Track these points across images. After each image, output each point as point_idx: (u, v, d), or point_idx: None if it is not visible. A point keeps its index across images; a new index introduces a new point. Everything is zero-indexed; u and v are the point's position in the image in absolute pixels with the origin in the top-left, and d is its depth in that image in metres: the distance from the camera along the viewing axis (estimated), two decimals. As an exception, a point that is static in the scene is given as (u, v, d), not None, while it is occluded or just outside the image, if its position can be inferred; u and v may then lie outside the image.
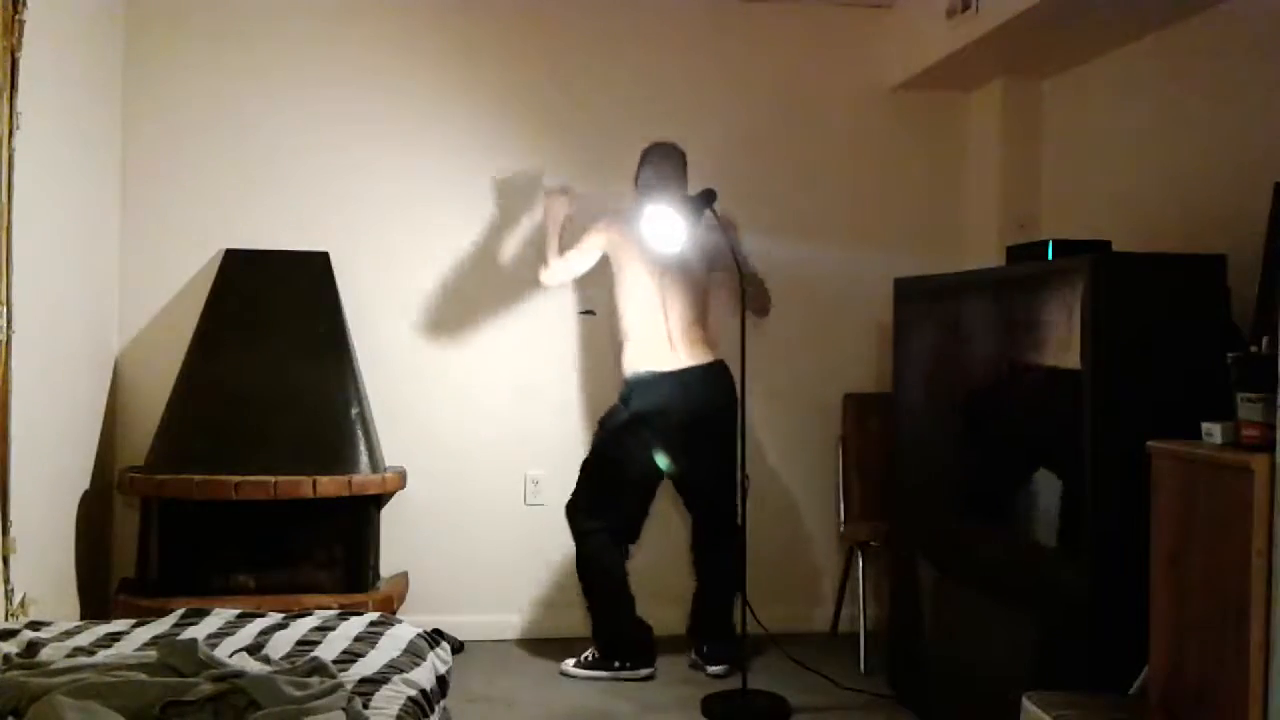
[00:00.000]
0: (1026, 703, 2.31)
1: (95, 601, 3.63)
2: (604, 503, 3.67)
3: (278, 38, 4.00)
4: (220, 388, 3.70)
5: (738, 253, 3.51)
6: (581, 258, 3.71)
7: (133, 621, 2.63)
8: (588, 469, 3.74)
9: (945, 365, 3.23)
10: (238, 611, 2.69)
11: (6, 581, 2.87)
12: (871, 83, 4.26)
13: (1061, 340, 2.58)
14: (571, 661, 3.67)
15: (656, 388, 3.61)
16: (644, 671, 3.61)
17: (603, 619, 3.69)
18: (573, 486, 3.74)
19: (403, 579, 3.93)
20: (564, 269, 3.73)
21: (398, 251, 4.05)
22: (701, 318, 3.69)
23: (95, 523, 3.69)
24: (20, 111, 2.89)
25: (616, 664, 3.61)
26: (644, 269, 3.63)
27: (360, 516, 3.72)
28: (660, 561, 3.98)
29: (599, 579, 3.67)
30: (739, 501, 3.50)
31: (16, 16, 2.87)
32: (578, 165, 4.02)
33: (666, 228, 3.46)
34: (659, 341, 3.63)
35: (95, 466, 3.70)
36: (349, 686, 2.05)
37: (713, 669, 3.67)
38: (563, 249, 3.73)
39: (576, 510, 3.71)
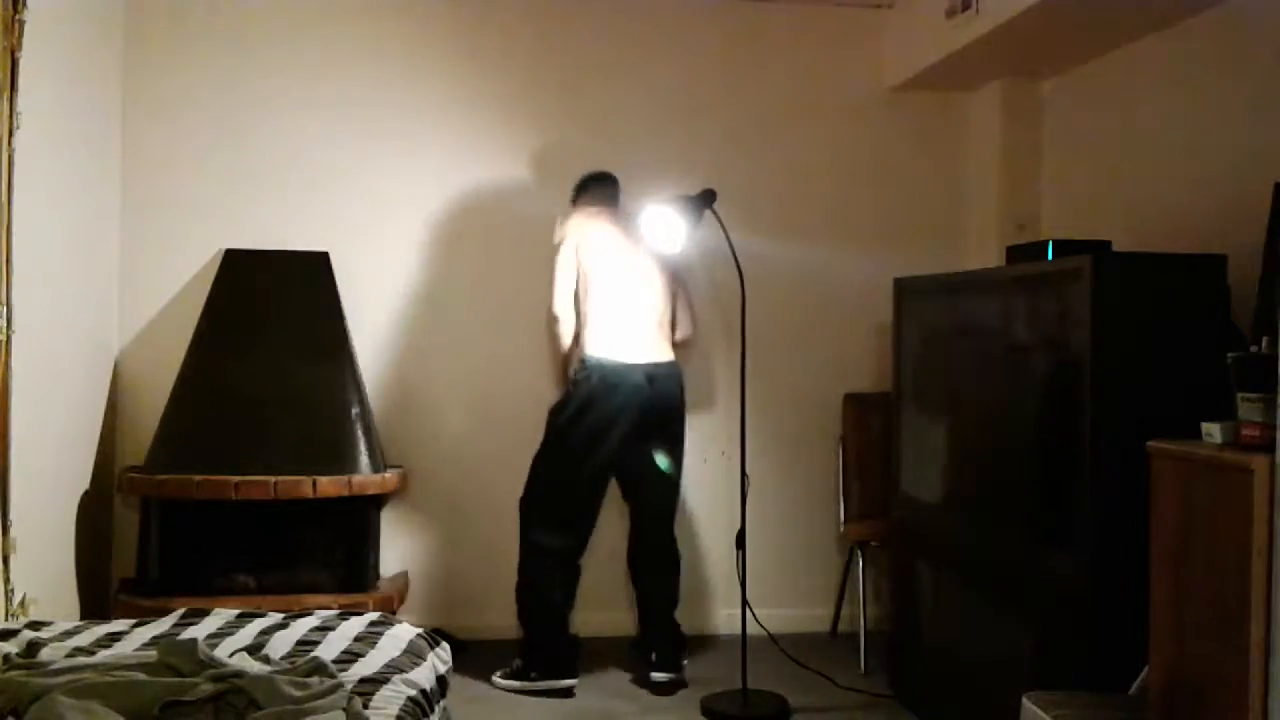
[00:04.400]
0: (1026, 703, 2.31)
1: (95, 601, 3.63)
2: (556, 502, 3.54)
3: (277, 38, 4.00)
4: (220, 388, 3.69)
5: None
6: (567, 273, 3.58)
7: (133, 621, 2.63)
8: (540, 463, 3.58)
9: (945, 365, 3.24)
10: (238, 611, 2.69)
11: (6, 581, 2.87)
12: (871, 83, 4.26)
13: (1061, 340, 2.58)
14: (500, 673, 3.55)
15: (619, 378, 3.49)
16: (566, 683, 3.46)
17: (529, 634, 3.57)
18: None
19: (403, 579, 3.94)
20: (562, 297, 3.58)
21: (398, 251, 4.05)
22: (668, 318, 3.65)
23: (95, 523, 3.69)
24: (20, 111, 2.90)
25: (533, 674, 3.48)
26: (617, 260, 3.58)
27: (360, 516, 3.72)
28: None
29: (533, 600, 3.55)
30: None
31: (16, 16, 2.87)
32: (577, 166, 4.01)
33: (666, 228, 3.46)
34: (628, 330, 3.54)
35: (95, 466, 3.70)
36: (349, 686, 2.05)
37: (659, 675, 3.51)
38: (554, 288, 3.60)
39: (528, 508, 3.58)
